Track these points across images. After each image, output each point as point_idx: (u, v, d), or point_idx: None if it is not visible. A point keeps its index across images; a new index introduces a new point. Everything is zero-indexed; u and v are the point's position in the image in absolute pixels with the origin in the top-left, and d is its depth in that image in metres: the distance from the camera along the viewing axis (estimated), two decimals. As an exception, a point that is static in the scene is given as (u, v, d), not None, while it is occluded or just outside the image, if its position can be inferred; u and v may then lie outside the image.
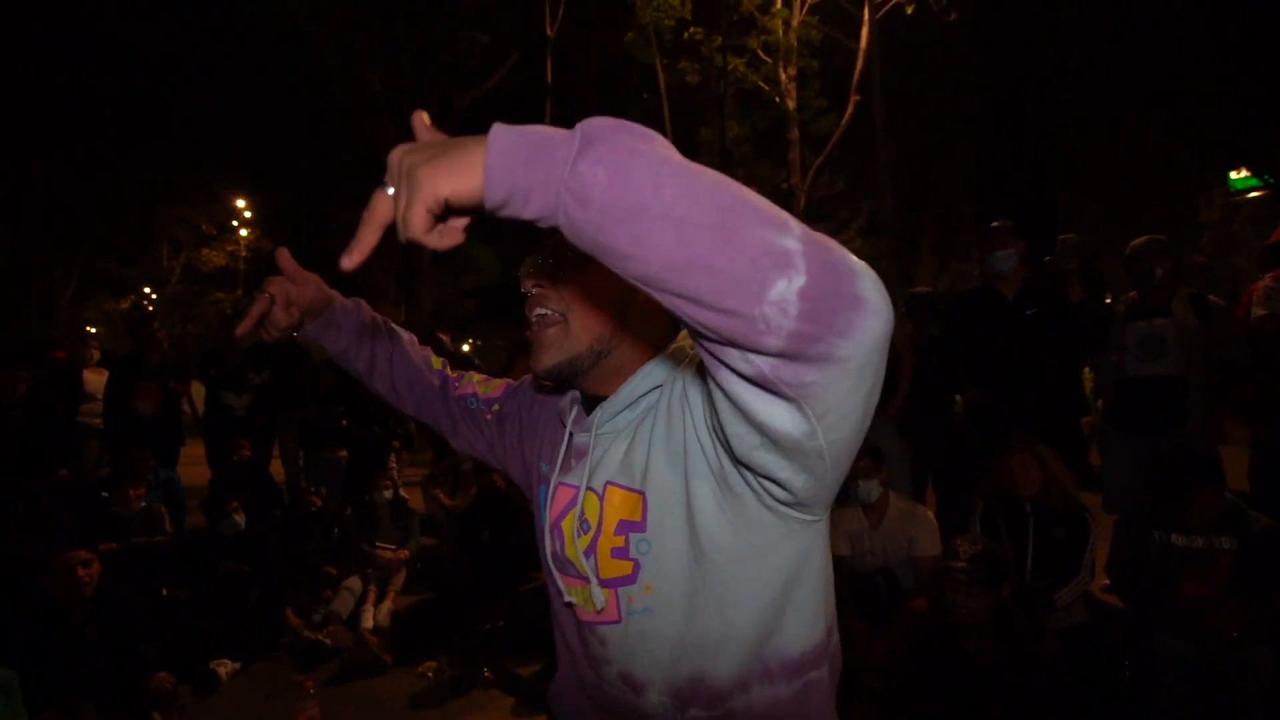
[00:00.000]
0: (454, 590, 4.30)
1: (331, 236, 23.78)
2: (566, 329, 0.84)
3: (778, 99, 13.68)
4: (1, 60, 12.10)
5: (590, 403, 0.90)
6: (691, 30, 13.28)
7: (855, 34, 12.64)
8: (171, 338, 5.66)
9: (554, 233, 0.70)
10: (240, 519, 4.02)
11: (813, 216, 15.48)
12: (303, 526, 4.39)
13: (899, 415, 3.76)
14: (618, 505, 0.82)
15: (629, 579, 0.82)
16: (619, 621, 0.84)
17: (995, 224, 3.40)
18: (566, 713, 0.97)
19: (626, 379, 0.85)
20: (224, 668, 3.43)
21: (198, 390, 5.57)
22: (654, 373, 0.84)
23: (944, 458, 3.89)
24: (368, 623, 3.97)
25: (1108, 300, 3.61)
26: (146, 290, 23.26)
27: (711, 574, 0.78)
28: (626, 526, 0.81)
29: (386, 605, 4.19)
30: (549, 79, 12.32)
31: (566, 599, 0.90)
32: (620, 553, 0.82)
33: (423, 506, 5.35)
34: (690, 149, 16.14)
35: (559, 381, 0.90)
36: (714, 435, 0.73)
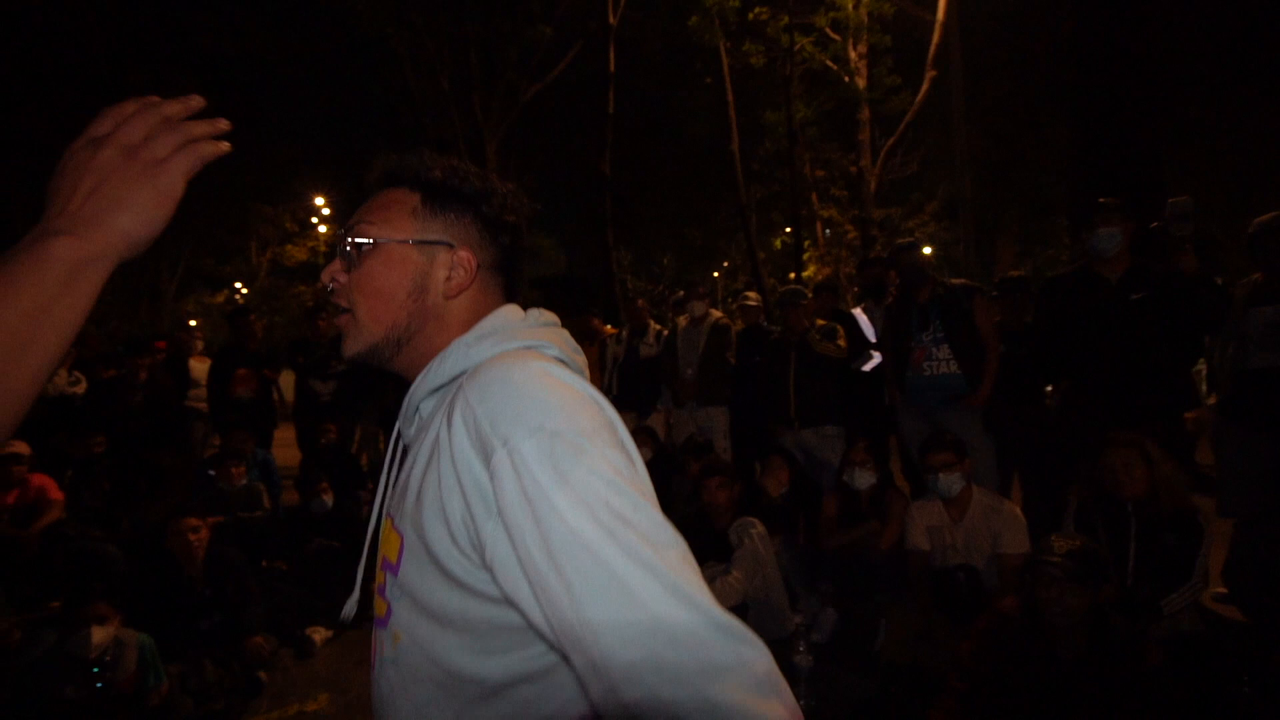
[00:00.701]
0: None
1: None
2: (354, 319, 0.78)
3: (847, 78, 13.23)
4: (111, 78, 13.13)
5: (401, 385, 0.81)
6: (756, 10, 12.98)
7: (931, 5, 12.04)
8: (261, 327, 6.02)
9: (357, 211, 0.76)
10: (329, 498, 4.26)
11: (883, 200, 14.93)
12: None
13: (985, 406, 3.59)
14: (387, 538, 0.74)
15: (383, 621, 0.73)
16: (374, 669, 0.74)
17: (1102, 200, 3.17)
18: None
19: (408, 354, 0.79)
20: (318, 635, 3.67)
21: (287, 378, 5.93)
22: (429, 373, 0.75)
23: (1033, 452, 3.70)
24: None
25: (1218, 282, 3.31)
26: (238, 285, 24.85)
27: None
28: (385, 566, 0.73)
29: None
30: (612, 67, 12.33)
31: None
32: (381, 591, 0.74)
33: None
34: (756, 133, 15.84)
35: (373, 370, 0.83)
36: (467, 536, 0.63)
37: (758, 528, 3.06)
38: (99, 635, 2.52)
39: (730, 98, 13.74)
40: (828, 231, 17.66)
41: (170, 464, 4.83)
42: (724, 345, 4.79)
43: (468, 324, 0.79)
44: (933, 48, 12.02)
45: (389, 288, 0.78)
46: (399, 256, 0.78)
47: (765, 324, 5.11)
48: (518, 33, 14.26)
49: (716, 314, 4.98)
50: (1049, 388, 3.80)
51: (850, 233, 16.43)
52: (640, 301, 5.37)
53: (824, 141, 16.22)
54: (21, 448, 3.99)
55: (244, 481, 4.43)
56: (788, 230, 18.45)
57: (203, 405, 5.60)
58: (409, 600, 0.69)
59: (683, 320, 4.99)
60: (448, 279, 0.79)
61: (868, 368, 4.23)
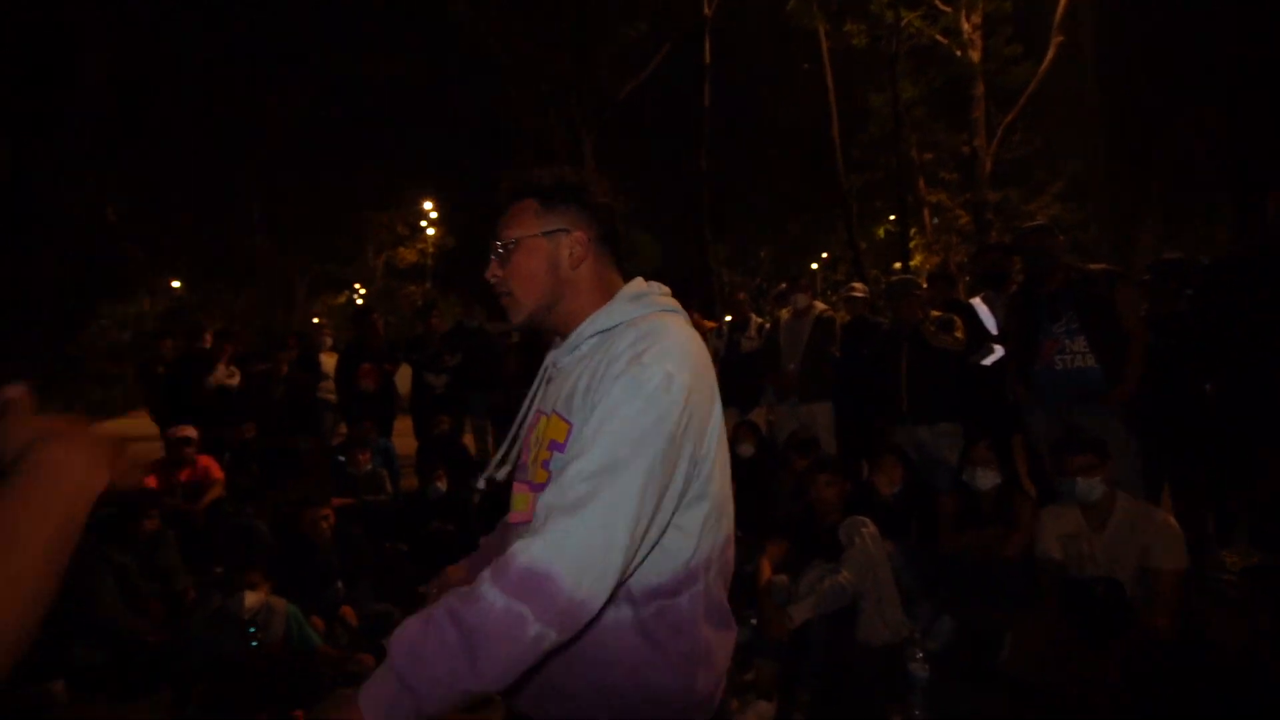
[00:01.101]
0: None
1: (505, 231, 25.69)
2: (514, 299, 1.10)
3: (959, 51, 12.36)
4: (250, 102, 14.55)
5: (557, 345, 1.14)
6: (858, -11, 12.43)
7: (1057, -35, 11.02)
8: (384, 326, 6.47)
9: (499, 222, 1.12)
10: (443, 485, 4.52)
11: (999, 182, 13.86)
12: (498, 494, 4.83)
13: (1127, 403, 3.24)
14: (556, 428, 1.03)
15: (539, 486, 1.02)
16: (529, 523, 0.95)
17: None
18: None
19: (566, 316, 1.10)
20: (436, 614, 3.91)
21: (403, 372, 6.34)
22: (597, 320, 1.07)
23: (1188, 456, 3.30)
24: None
25: None
26: (357, 286, 26.87)
27: None
28: (554, 446, 1.02)
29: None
30: (707, 59, 12.20)
31: (512, 509, 1.10)
32: (546, 465, 1.02)
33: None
34: (856, 119, 15.18)
35: (534, 332, 1.16)
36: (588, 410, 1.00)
37: (869, 527, 2.93)
38: (251, 599, 2.81)
39: (830, 82, 13.24)
40: (935, 219, 16.64)
41: (306, 449, 5.30)
42: (828, 338, 4.63)
43: (594, 285, 1.10)
44: (1060, 9, 10.99)
45: (532, 271, 1.09)
46: (533, 247, 1.09)
47: (872, 316, 4.89)
48: (611, 32, 14.43)
49: (820, 306, 4.82)
50: (1207, 385, 3.37)
51: (962, 218, 15.38)
52: (741, 294, 5.30)
53: (932, 122, 15.28)
54: (191, 432, 4.51)
55: (369, 467, 4.78)
56: (891, 218, 17.59)
57: (331, 396, 6.10)
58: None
59: (785, 313, 4.87)
60: (570, 255, 1.09)
61: (988, 361, 3.94)
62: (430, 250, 26.22)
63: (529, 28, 14.16)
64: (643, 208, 18.64)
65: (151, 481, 4.21)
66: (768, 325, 5.03)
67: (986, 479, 3.14)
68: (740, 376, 4.97)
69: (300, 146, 16.84)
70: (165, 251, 19.32)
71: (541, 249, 1.08)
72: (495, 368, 5.85)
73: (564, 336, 1.11)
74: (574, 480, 0.88)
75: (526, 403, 1.18)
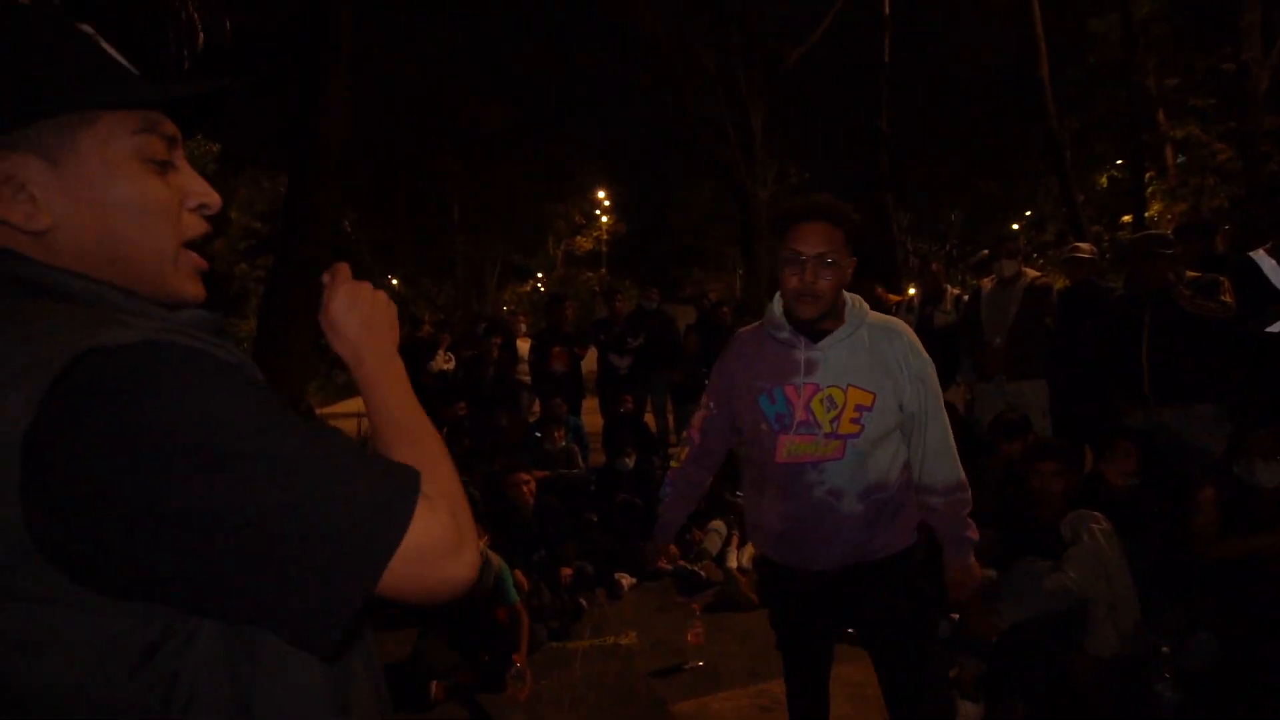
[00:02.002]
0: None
1: (673, 211, 26.21)
2: (820, 299, 1.56)
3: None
4: (435, 100, 16.12)
5: (814, 334, 1.62)
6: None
7: None
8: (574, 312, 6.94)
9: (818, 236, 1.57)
10: (630, 461, 4.76)
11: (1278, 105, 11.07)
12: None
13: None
14: (857, 396, 1.59)
15: (855, 436, 1.60)
16: (842, 458, 1.60)
17: None
18: (768, 534, 1.74)
19: (835, 319, 1.63)
20: (625, 580, 4.16)
21: (589, 353, 6.76)
22: (852, 317, 1.65)
23: None
24: (733, 563, 4.35)
25: None
26: (539, 275, 28.97)
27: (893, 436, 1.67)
28: (861, 408, 1.59)
29: (749, 549, 4.52)
30: (886, 9, 11.22)
31: (784, 454, 1.62)
32: (855, 421, 1.59)
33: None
34: (1066, 53, 13.04)
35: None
36: (916, 387, 1.66)
37: (1101, 523, 2.57)
38: None
39: (1037, 14, 11.52)
40: (1180, 157, 13.81)
41: (507, 426, 5.89)
42: (1042, 309, 4.09)
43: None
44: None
45: (839, 282, 1.59)
46: (845, 265, 1.59)
47: (1100, 280, 4.23)
48: (779, -3, 13.81)
49: (1031, 273, 4.26)
50: None
51: (1221, 153, 12.58)
52: (935, 265, 4.87)
53: (1178, 40, 12.61)
54: (417, 410, 5.23)
55: (563, 443, 5.19)
56: (1118, 163, 14.97)
57: (526, 377, 6.70)
58: (878, 422, 1.61)
59: (987, 282, 4.38)
60: (849, 276, 1.62)
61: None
62: (604, 237, 27.47)
63: (692, 3, 14.03)
64: (816, 178, 17.79)
65: (391, 451, 4.95)
66: (965, 297, 4.57)
67: (1270, 474, 2.60)
68: (934, 352, 4.57)
69: (488, 147, 18.51)
70: (386, 252, 22.47)
71: (847, 269, 1.58)
72: (674, 348, 6.03)
73: (813, 328, 1.61)
74: (942, 430, 1.67)
75: (776, 381, 1.63)
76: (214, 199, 0.63)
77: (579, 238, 27.27)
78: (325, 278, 0.74)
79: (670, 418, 6.35)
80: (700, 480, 1.91)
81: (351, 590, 0.50)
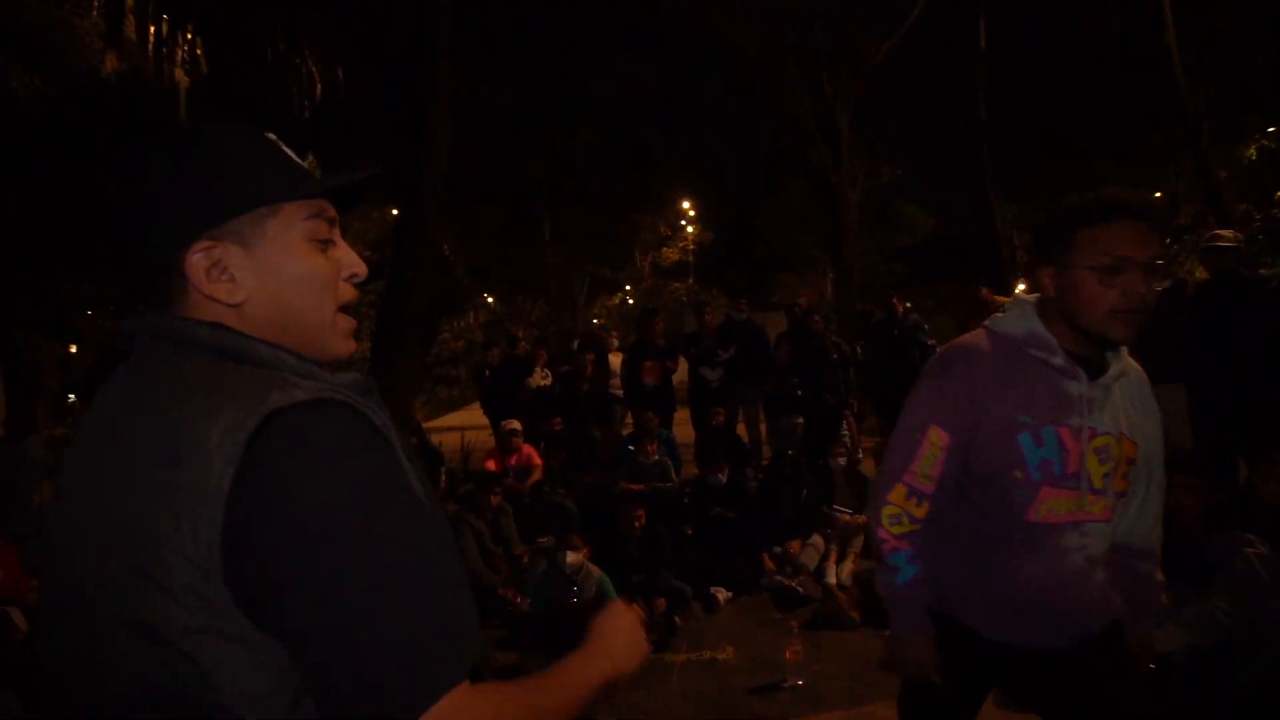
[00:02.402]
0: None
1: (760, 217, 25.86)
2: (1142, 316, 1.24)
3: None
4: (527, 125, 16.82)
5: (1091, 365, 1.29)
6: None
7: None
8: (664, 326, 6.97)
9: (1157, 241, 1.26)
10: (723, 476, 4.75)
11: None
12: (773, 484, 4.92)
13: None
14: (1128, 449, 1.32)
15: (1122, 494, 1.34)
16: (1108, 520, 1.33)
17: None
18: (987, 605, 1.37)
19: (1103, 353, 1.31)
20: (721, 594, 4.14)
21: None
22: (1116, 355, 1.33)
23: None
24: (832, 579, 4.22)
25: None
26: (627, 288, 29.36)
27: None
28: (1130, 461, 1.33)
29: (848, 565, 4.38)
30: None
31: (1041, 511, 1.29)
32: (1126, 477, 1.33)
33: (875, 474, 5.37)
34: (1197, 13, 11.73)
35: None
36: (1156, 437, 1.41)
37: (1257, 546, 2.30)
38: (572, 558, 3.31)
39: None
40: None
41: (601, 439, 6.03)
42: (1176, 305, 3.71)
43: None
44: None
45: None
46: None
47: (1247, 270, 3.78)
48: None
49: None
50: None
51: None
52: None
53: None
54: (516, 425, 5.47)
55: (656, 457, 5.24)
56: (1269, 130, 13.31)
57: (619, 391, 6.82)
58: (1137, 480, 1.37)
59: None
60: None
61: None
62: (690, 247, 27.50)
63: (775, 4, 13.82)
64: (908, 176, 17.04)
65: (492, 465, 5.20)
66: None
67: None
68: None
69: (574, 166, 19.11)
70: (482, 273, 23.62)
71: None
72: (765, 359, 5.96)
73: (1091, 362, 1.30)
74: (1160, 489, 1.44)
75: (1046, 418, 1.29)
76: (363, 269, 0.73)
77: (665, 249, 27.45)
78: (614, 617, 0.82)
79: (762, 429, 6.26)
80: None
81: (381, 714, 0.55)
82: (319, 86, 12.02)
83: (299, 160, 0.69)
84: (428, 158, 6.67)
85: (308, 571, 0.55)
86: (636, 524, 4.01)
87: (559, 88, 17.22)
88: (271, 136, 0.69)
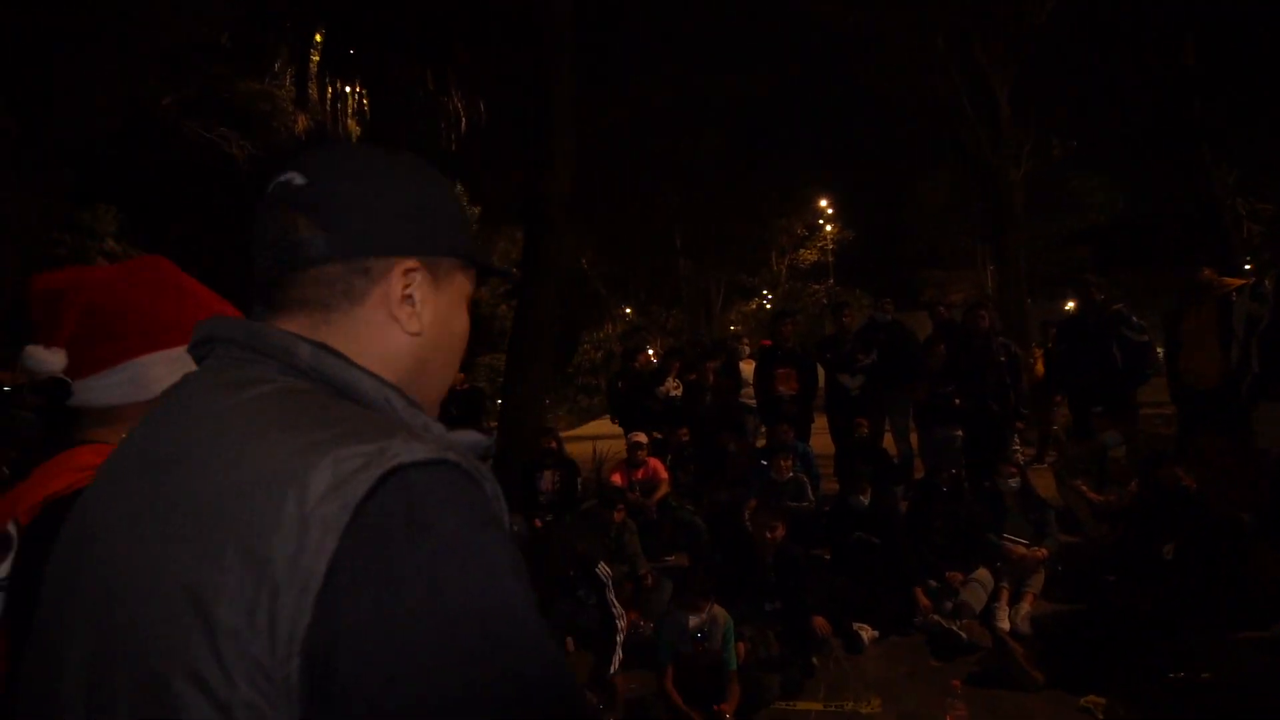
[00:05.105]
0: (1113, 608, 3.46)
1: (904, 210, 24.01)
2: None
3: None
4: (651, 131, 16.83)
5: None
6: None
7: None
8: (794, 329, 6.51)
9: None
10: (865, 498, 4.23)
11: None
12: (927, 505, 4.33)
13: None
14: None
15: None
16: None
17: None
18: None
19: None
20: (865, 632, 3.65)
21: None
22: None
23: None
24: (1004, 624, 3.58)
25: None
26: (765, 293, 28.61)
27: None
28: None
29: (1024, 608, 3.70)
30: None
31: None
32: None
33: (1057, 497, 4.56)
34: None
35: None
36: None
37: None
38: (694, 621, 3.03)
39: None
40: None
41: (734, 453, 5.70)
42: None
43: None
44: None
45: None
46: None
47: None
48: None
49: None
50: None
51: None
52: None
53: None
54: (642, 437, 5.32)
55: (791, 474, 4.84)
56: None
57: (751, 401, 6.44)
58: None
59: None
60: None
61: None
62: (830, 247, 26.24)
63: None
64: (1086, 147, 14.77)
65: (617, 479, 5.08)
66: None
67: None
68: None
69: (704, 173, 18.94)
70: (620, 285, 24.15)
71: None
72: (915, 363, 5.31)
73: None
74: None
75: None
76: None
77: (802, 250, 26.43)
78: None
79: (913, 441, 5.59)
80: None
81: None
82: (464, 121, 12.97)
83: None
84: (551, 178, 6.81)
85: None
86: (770, 536, 3.63)
87: (684, 95, 17.17)
88: (460, 187, 0.66)
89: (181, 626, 0.41)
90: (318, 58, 12.62)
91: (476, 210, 17.31)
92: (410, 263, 0.59)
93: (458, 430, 0.55)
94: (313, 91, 13.36)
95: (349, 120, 14.38)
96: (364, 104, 13.76)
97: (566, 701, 0.45)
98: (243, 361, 0.53)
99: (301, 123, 13.54)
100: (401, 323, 0.58)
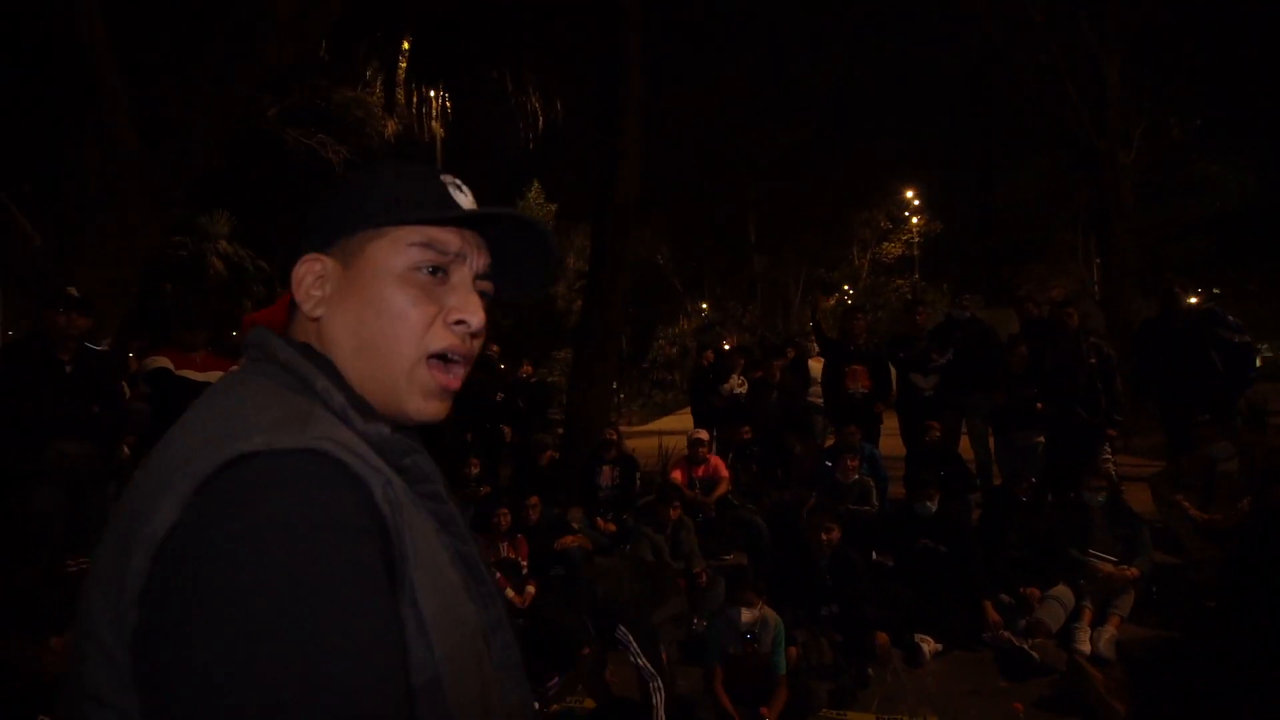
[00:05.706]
0: (1212, 639, 3.14)
1: (998, 200, 22.51)
2: None
3: None
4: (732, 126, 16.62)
5: None
6: None
7: None
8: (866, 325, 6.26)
9: None
10: (933, 504, 4.04)
11: None
12: (1002, 514, 4.08)
13: None
14: None
15: None
16: None
17: None
18: None
19: None
20: (927, 644, 3.49)
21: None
22: None
23: None
24: (1084, 647, 3.33)
25: None
26: (845, 287, 27.66)
27: None
28: None
29: (1109, 631, 3.42)
30: None
31: None
32: None
33: (1153, 511, 4.18)
34: None
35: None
36: None
37: None
38: (746, 615, 3.00)
39: None
40: None
41: (799, 453, 5.58)
42: None
43: None
44: None
45: None
46: None
47: None
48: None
49: None
50: None
51: None
52: None
53: None
54: (704, 434, 5.30)
55: (856, 476, 4.68)
56: None
57: (819, 400, 6.26)
58: None
59: None
60: None
61: None
62: (916, 239, 25.03)
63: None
64: (1219, 130, 13.31)
65: (678, 475, 5.08)
66: None
67: None
68: None
69: (781, 166, 18.51)
70: (696, 282, 24.05)
71: None
72: (994, 364, 5.00)
73: None
74: None
75: None
76: (476, 318, 0.64)
77: (885, 243, 25.33)
78: None
79: (991, 446, 5.26)
80: None
81: None
82: (541, 119, 13.31)
83: (451, 193, 0.65)
84: (618, 178, 6.86)
85: (171, 658, 0.45)
86: (825, 537, 3.53)
87: (759, 88, 16.84)
88: (428, 169, 0.68)
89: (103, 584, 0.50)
90: (405, 65, 13.28)
91: (553, 207, 17.68)
92: (309, 257, 0.64)
93: (374, 424, 0.58)
94: (400, 97, 14.11)
95: (434, 123, 15.08)
96: (447, 107, 14.39)
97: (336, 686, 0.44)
98: (251, 360, 0.64)
99: (390, 127, 14.36)
100: (303, 307, 0.64)
